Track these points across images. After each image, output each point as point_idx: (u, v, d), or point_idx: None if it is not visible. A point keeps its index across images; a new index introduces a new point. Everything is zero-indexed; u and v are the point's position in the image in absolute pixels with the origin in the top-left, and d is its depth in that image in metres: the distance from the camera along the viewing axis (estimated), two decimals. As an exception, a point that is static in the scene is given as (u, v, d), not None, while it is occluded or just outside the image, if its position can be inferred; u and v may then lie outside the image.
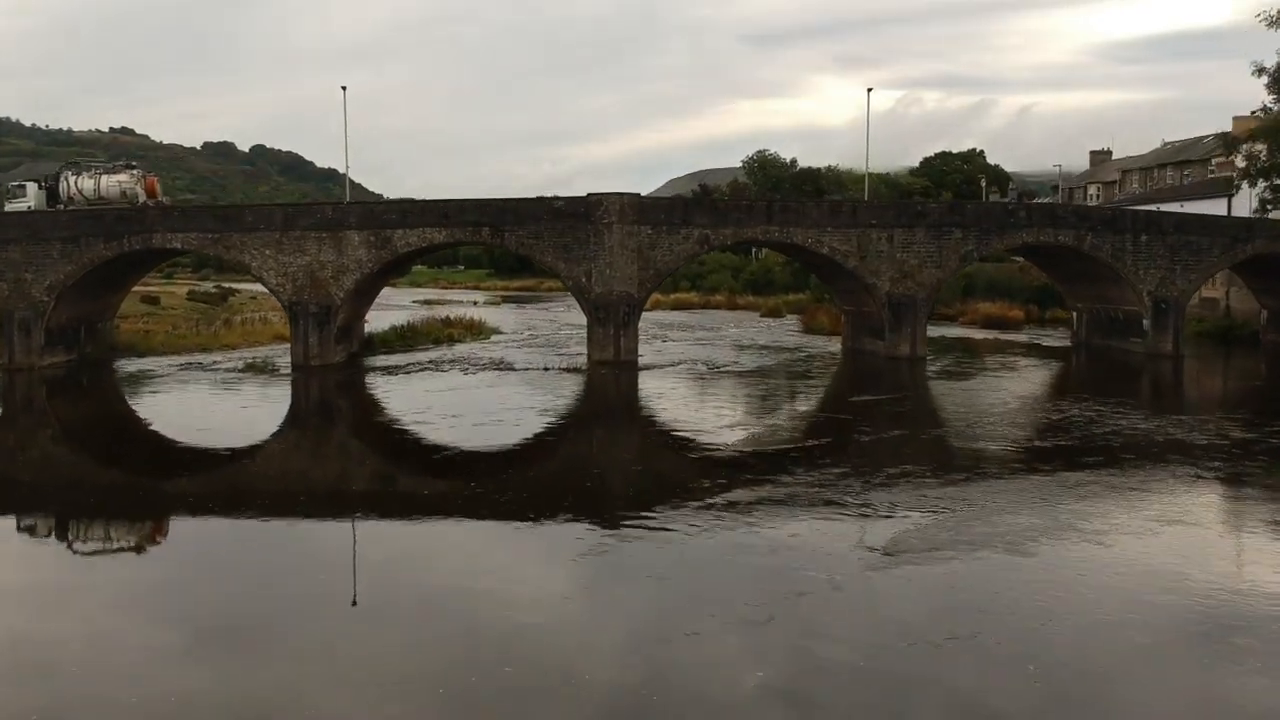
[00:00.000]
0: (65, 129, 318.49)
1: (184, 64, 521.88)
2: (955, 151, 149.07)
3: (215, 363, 46.95)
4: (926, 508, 21.05)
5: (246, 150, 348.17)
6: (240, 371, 43.80)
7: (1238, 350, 54.40)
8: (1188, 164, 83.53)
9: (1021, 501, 21.55)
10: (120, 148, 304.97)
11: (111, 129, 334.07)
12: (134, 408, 37.83)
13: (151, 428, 33.94)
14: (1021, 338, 59.71)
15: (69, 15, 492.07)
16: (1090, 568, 17.31)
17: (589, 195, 46.90)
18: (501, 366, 45.51)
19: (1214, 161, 78.01)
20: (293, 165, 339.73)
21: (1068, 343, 56.57)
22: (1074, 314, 56.67)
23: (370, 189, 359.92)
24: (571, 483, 24.90)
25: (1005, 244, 49.64)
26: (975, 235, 48.22)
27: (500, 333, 64.37)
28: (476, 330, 61.87)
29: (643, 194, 49.67)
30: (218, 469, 27.40)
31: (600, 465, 27.79)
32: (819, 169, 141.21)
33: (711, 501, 21.69)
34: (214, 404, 36.74)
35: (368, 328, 59.09)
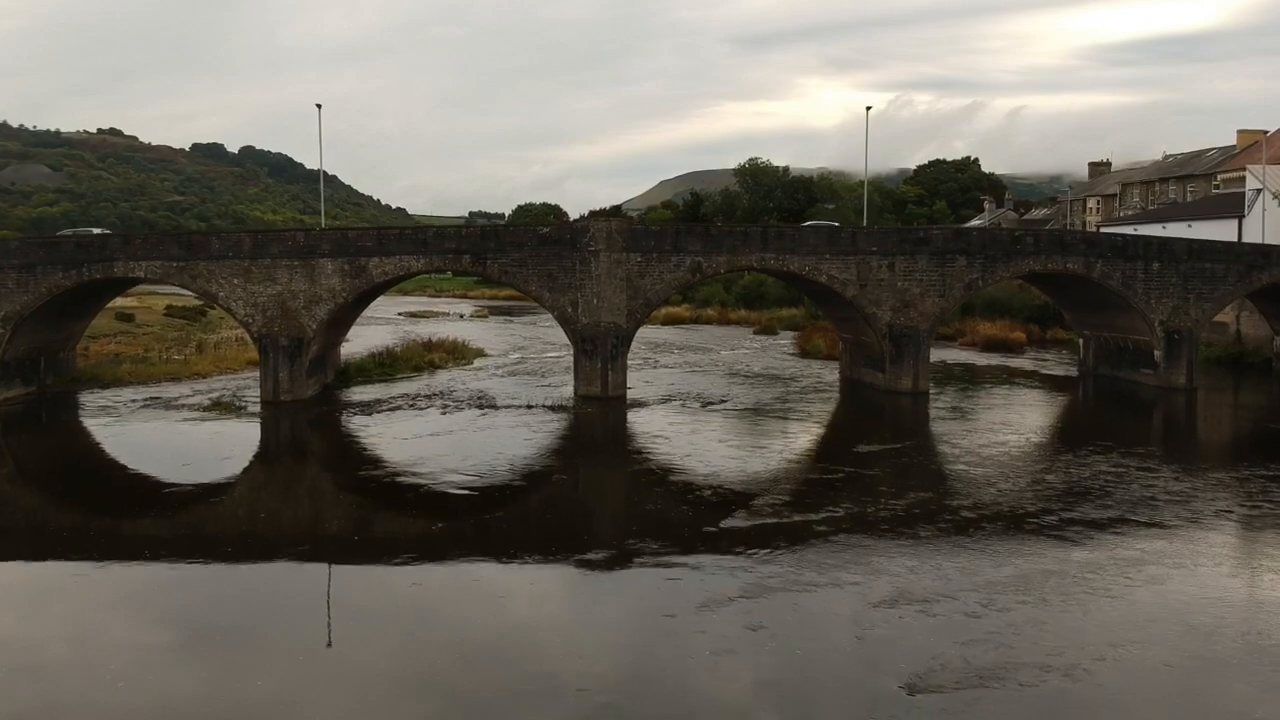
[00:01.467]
0: (53, 130, 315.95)
1: (174, 65, 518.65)
2: (949, 160, 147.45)
3: (182, 397, 44.46)
4: (965, 610, 18.69)
5: (235, 151, 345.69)
6: (205, 410, 41.30)
7: (1250, 379, 52.29)
8: (1191, 178, 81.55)
9: (1071, 600, 19.26)
10: (108, 149, 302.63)
11: (100, 130, 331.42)
12: (81, 459, 35.42)
13: (98, 486, 31.62)
14: (1025, 364, 57.52)
15: (57, 16, 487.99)
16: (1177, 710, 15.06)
17: (575, 222, 44.82)
18: (483, 403, 43.03)
19: (1219, 177, 76.11)
20: (282, 166, 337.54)
21: (1074, 371, 54.43)
22: (1081, 341, 54.54)
23: (361, 191, 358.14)
24: (568, 557, 22.62)
25: (1012, 271, 47.45)
26: (980, 263, 46.07)
27: (485, 355, 62.07)
28: (460, 354, 59.50)
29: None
30: (172, 519, 25.17)
31: (593, 544, 24.97)
32: (811, 177, 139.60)
33: (716, 616, 18.78)
34: (171, 453, 34.19)
35: (349, 347, 56.83)
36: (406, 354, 56.23)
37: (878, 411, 43.02)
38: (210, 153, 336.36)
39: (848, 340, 50.87)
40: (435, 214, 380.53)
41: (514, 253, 44.31)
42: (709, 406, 42.66)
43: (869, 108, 54.11)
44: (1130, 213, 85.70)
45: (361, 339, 63.82)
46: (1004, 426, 38.20)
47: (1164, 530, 24.02)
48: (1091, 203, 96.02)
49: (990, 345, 64.23)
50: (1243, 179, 67.76)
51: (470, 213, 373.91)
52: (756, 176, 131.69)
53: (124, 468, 33.23)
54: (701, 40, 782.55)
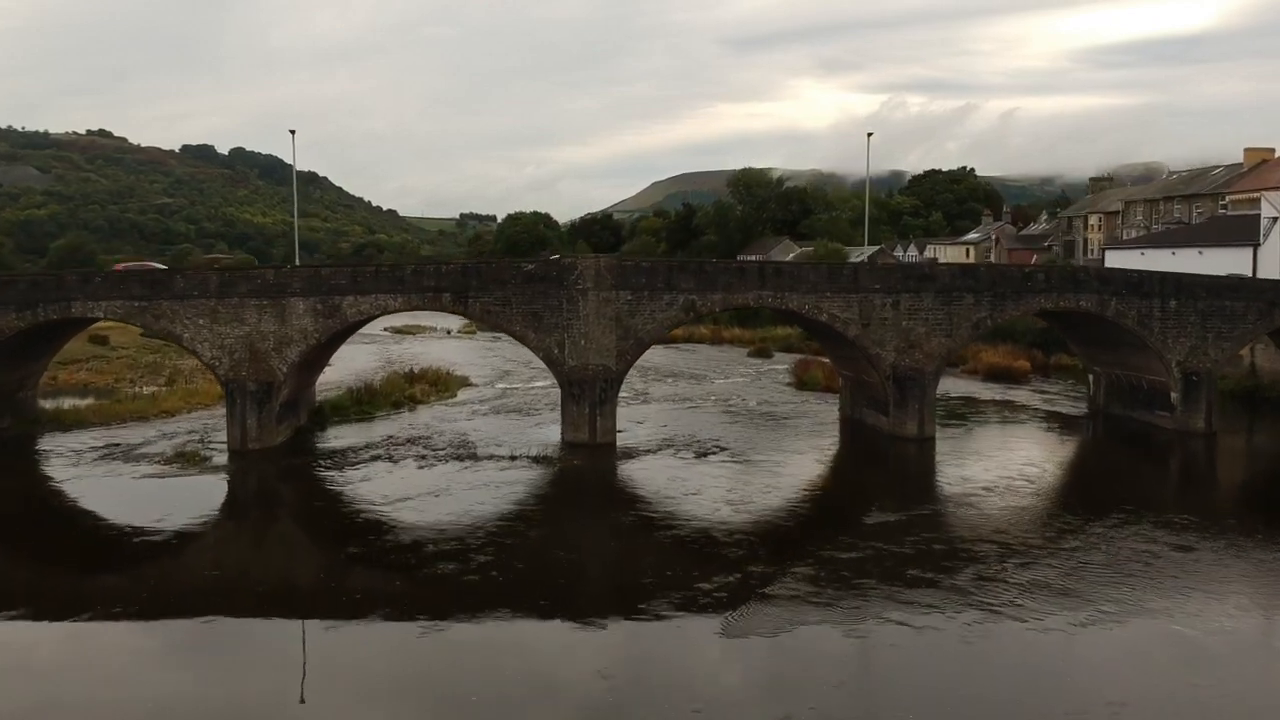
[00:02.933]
0: (42, 131, 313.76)
1: (171, 65, 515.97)
2: (944, 170, 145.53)
3: (146, 442, 41.88)
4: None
5: (225, 153, 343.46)
6: (167, 461, 38.60)
7: (1267, 417, 50.19)
8: (1197, 197, 79.42)
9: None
10: (97, 150, 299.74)
11: (89, 131, 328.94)
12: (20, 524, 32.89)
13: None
14: (1031, 398, 55.13)
15: (54, 16, 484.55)
16: None
17: (563, 258, 42.57)
18: (464, 453, 40.31)
19: (1227, 197, 73.99)
20: (272, 168, 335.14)
21: (1083, 407, 52.11)
22: (1091, 378, 52.27)
23: (351, 192, 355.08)
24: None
25: (1022, 309, 45.20)
26: (989, 300, 43.82)
27: (469, 385, 59.68)
28: (442, 386, 57.04)
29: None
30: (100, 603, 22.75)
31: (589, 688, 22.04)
32: (804, 187, 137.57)
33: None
34: (120, 517, 31.57)
35: (329, 372, 54.34)
36: (386, 388, 53.73)
37: (882, 462, 40.71)
38: (200, 154, 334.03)
39: (848, 378, 48.54)
40: (427, 215, 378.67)
41: (497, 290, 41.93)
42: (705, 456, 40.17)
43: (870, 134, 51.99)
44: (1134, 232, 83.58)
45: (342, 361, 61.33)
46: (1024, 484, 35.60)
47: (1224, 635, 21.73)
48: (1093, 220, 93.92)
49: (993, 374, 61.98)
50: (1251, 201, 65.68)
51: (462, 214, 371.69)
52: (750, 187, 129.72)
53: (64, 541, 30.53)
54: (694, 41, 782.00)
